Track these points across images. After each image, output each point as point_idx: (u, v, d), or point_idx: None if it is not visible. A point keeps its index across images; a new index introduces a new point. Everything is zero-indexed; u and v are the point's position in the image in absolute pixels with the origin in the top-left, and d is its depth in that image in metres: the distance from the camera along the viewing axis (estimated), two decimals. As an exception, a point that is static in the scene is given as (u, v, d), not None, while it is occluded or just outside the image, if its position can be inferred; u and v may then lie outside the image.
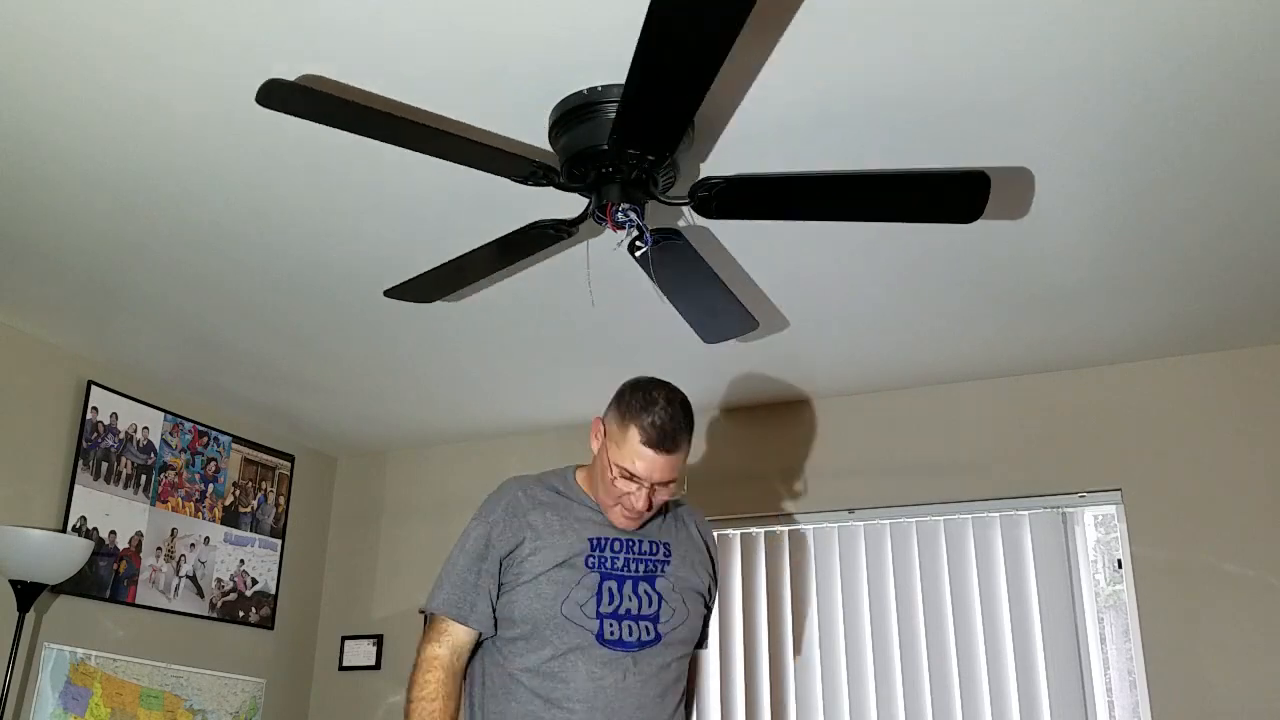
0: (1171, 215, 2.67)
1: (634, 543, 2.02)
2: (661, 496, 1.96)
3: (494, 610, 1.96)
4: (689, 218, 2.57)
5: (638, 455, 1.92)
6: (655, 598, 1.99)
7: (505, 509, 2.03)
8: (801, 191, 2.20)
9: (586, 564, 1.96)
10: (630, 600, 1.97)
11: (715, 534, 2.31)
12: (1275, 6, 1.92)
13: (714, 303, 2.58)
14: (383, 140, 2.00)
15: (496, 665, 1.99)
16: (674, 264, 2.40)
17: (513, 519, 2.01)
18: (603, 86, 2.11)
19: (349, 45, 1.99)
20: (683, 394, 2.00)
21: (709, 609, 2.14)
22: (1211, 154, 2.39)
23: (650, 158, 2.03)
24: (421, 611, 2.02)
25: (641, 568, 2.00)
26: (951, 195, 2.14)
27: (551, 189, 2.17)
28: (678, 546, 2.09)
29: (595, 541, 2.00)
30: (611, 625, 1.94)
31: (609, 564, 1.98)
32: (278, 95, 1.73)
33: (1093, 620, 3.49)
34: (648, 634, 1.96)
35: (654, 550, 2.03)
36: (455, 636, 1.95)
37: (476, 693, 2.01)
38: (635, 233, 2.17)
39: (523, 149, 1.97)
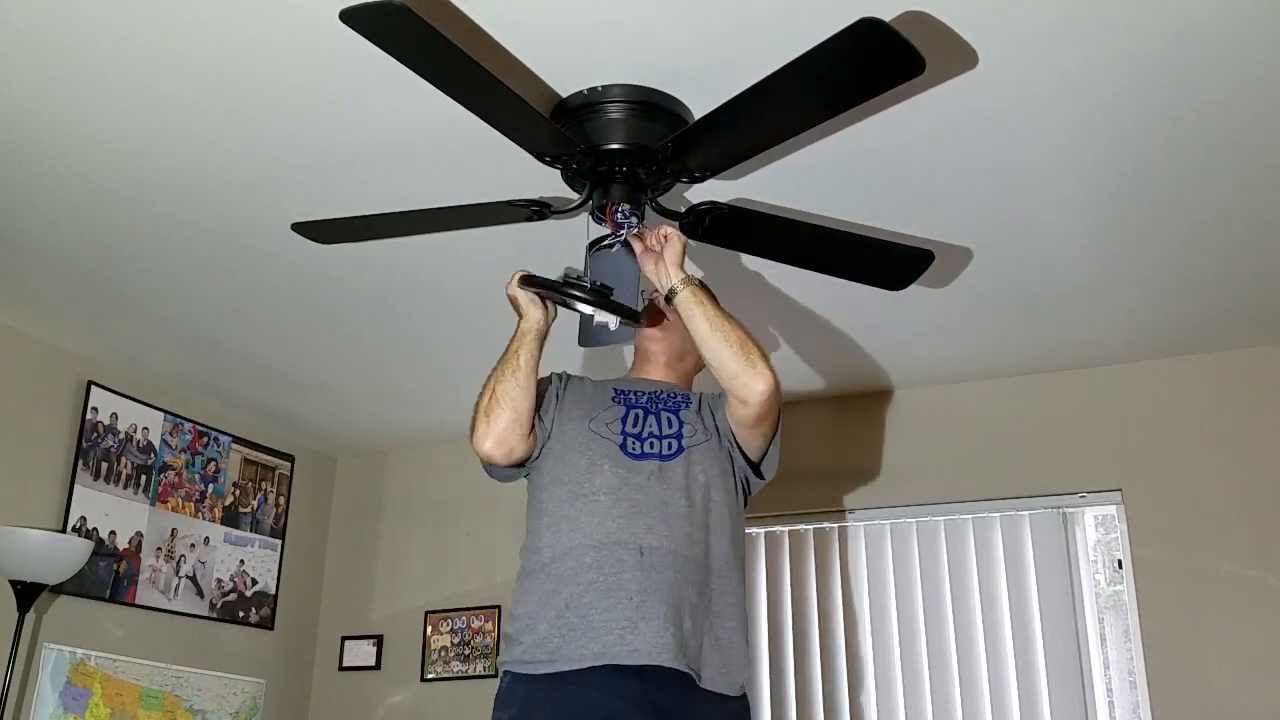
0: (1170, 216, 2.67)
1: (656, 393, 2.24)
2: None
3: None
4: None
5: None
6: (677, 421, 2.17)
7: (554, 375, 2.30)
8: (783, 234, 2.33)
9: (613, 400, 2.21)
10: (653, 425, 2.16)
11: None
12: (1273, 11, 1.92)
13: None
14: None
15: (536, 500, 2.14)
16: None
17: (558, 374, 2.29)
18: (623, 85, 2.14)
19: (352, 43, 1.99)
20: None
21: (738, 443, 2.20)
22: (1210, 156, 2.40)
23: (697, 174, 2.13)
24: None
25: (662, 405, 2.22)
26: (894, 266, 2.41)
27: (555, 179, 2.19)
28: (691, 399, 2.29)
29: (619, 390, 2.25)
30: (634, 442, 2.12)
31: (633, 400, 2.22)
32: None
33: (1093, 620, 3.49)
34: (669, 448, 2.12)
35: (673, 395, 2.25)
36: None
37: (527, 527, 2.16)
38: (622, 233, 2.18)
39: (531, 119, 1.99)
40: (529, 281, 2.11)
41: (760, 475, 2.21)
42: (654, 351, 2.31)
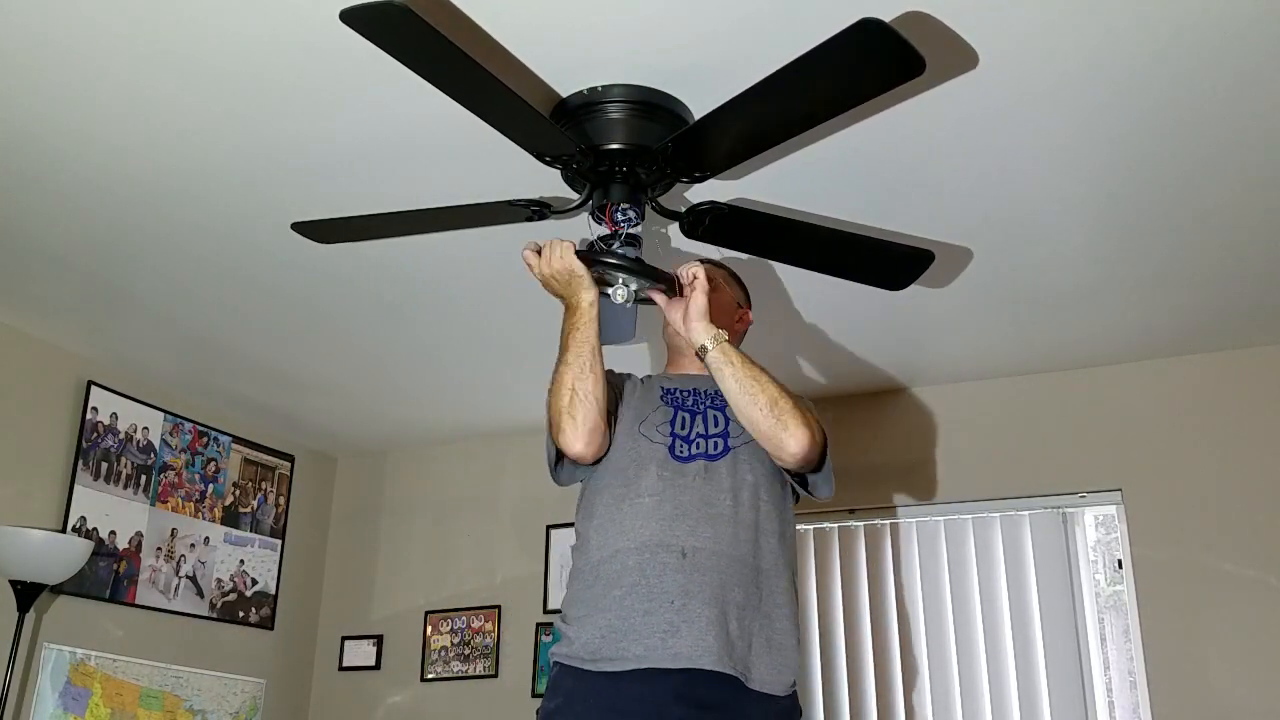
0: (1171, 216, 2.67)
1: (701, 391, 2.22)
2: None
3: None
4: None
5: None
6: (724, 419, 2.15)
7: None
8: (783, 234, 2.32)
9: (661, 399, 2.20)
10: (700, 425, 2.16)
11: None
12: (1272, 9, 1.92)
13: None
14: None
15: (586, 503, 2.15)
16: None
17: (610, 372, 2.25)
18: (620, 85, 2.14)
19: (352, 43, 1.99)
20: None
21: None
22: (1212, 155, 2.40)
23: (697, 174, 2.13)
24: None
25: (711, 403, 2.20)
26: (894, 266, 2.42)
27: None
28: None
29: (666, 389, 2.23)
30: (681, 444, 2.12)
31: (681, 401, 2.20)
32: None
33: (1093, 620, 3.49)
34: (715, 448, 2.11)
35: (720, 392, 2.15)
36: None
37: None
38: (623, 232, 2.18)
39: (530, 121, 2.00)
40: (583, 257, 2.05)
41: (809, 491, 2.17)
42: (684, 344, 2.25)
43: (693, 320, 2.05)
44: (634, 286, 2.09)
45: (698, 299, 2.06)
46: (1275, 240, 2.78)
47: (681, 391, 2.22)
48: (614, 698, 1.93)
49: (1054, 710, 3.40)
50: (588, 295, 2.06)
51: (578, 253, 2.04)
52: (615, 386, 2.20)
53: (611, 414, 2.12)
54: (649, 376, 2.30)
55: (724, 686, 1.94)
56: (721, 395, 2.16)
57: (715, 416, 2.16)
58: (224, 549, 4.09)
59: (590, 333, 2.05)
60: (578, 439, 2.04)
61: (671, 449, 2.10)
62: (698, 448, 2.11)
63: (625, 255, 2.11)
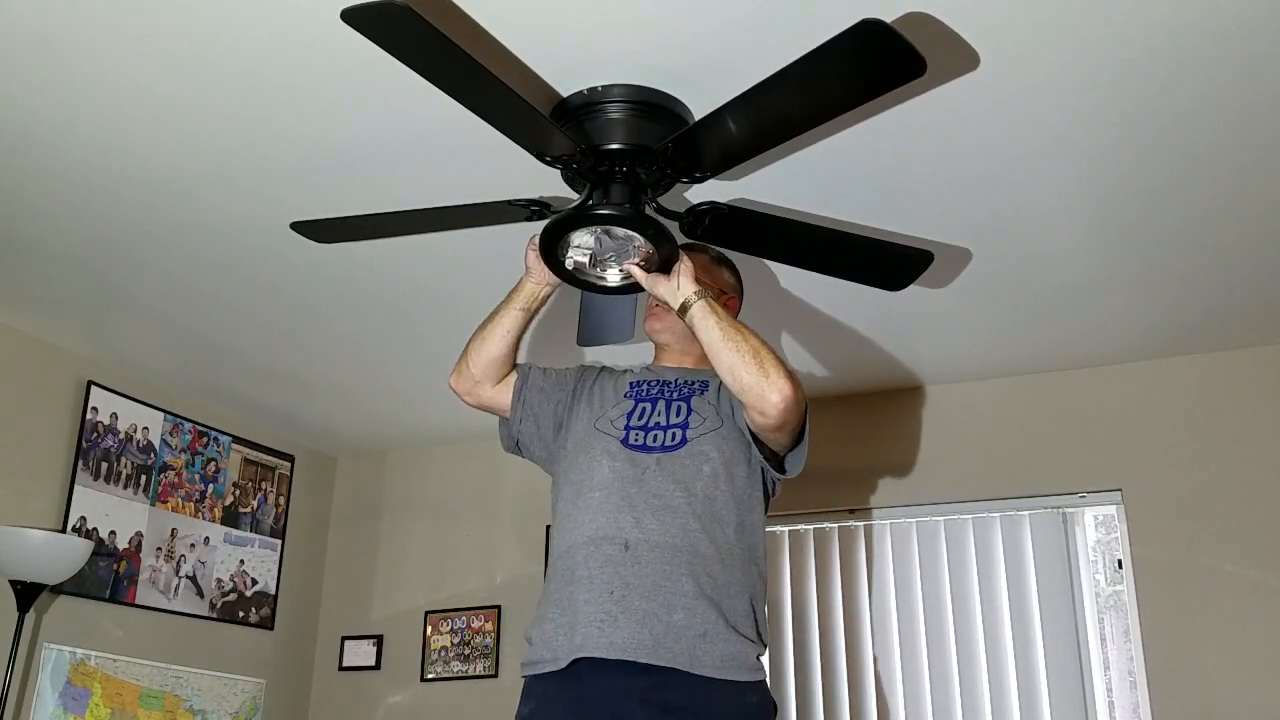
0: (1170, 216, 2.67)
1: (670, 382, 2.24)
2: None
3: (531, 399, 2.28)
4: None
5: None
6: (686, 409, 2.16)
7: (580, 366, 2.41)
8: (783, 234, 2.32)
9: (624, 396, 2.23)
10: (660, 415, 2.16)
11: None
12: (1273, 9, 1.92)
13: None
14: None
15: (553, 503, 2.20)
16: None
17: (586, 369, 2.40)
18: (619, 85, 2.14)
19: (353, 42, 1.99)
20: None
21: (754, 437, 2.13)
22: (1211, 155, 2.40)
23: (697, 174, 2.14)
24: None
25: (678, 393, 2.21)
26: (893, 266, 2.40)
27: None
28: (714, 378, 2.20)
29: (634, 383, 2.26)
30: (637, 434, 2.13)
31: (645, 393, 2.23)
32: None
33: (1093, 620, 3.49)
34: (672, 439, 2.11)
35: (689, 382, 2.23)
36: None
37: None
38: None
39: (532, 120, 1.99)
40: (548, 232, 2.08)
41: (782, 470, 2.14)
42: (664, 341, 2.29)
43: (683, 277, 2.06)
44: (577, 241, 2.11)
45: (687, 261, 2.10)
46: (1274, 239, 2.78)
47: (648, 383, 2.24)
48: (577, 704, 1.94)
49: (1054, 710, 3.40)
50: (523, 278, 2.22)
51: (544, 232, 2.11)
52: (564, 383, 2.30)
53: (541, 397, 2.26)
54: (628, 370, 2.32)
55: (685, 683, 1.92)
56: (688, 386, 2.19)
57: (679, 406, 2.17)
58: (224, 549, 4.09)
59: (503, 302, 2.23)
60: (454, 373, 2.27)
61: (625, 440, 2.12)
62: (654, 439, 2.11)
63: (591, 205, 2.09)
